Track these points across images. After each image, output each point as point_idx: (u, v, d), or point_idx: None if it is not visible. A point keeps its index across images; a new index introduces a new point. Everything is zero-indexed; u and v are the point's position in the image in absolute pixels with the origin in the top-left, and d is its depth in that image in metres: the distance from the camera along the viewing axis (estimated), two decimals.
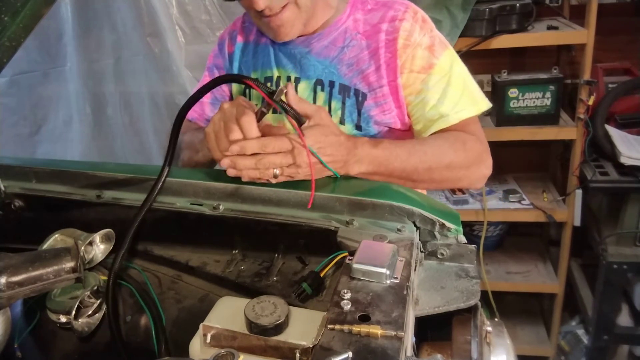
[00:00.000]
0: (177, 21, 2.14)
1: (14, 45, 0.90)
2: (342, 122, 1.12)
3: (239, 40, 1.24)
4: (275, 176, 0.89)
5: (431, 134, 1.07)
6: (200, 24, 2.14)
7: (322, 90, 1.12)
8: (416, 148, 1.02)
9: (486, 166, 1.09)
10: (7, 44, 0.89)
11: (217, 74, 1.27)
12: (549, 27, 1.92)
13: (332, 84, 1.11)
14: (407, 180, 1.01)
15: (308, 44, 1.13)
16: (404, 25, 1.06)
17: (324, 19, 1.13)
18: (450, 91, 1.06)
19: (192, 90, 1.31)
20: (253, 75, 1.20)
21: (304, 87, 1.14)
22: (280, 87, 0.88)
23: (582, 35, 1.84)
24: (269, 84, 1.16)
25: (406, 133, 1.14)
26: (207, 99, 1.29)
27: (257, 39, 1.22)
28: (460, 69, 1.10)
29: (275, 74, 1.17)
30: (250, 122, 0.88)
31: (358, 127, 1.11)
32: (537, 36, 1.91)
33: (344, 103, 1.11)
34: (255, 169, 0.88)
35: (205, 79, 1.31)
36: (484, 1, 1.88)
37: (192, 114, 1.28)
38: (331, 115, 1.08)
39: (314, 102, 1.13)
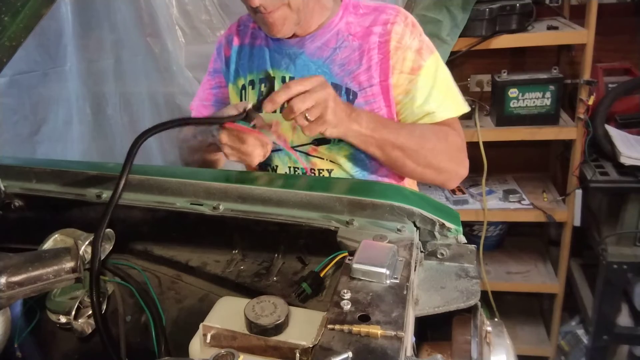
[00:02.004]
0: (177, 21, 2.14)
1: (14, 45, 0.91)
2: None
3: (235, 43, 1.27)
4: (307, 119, 0.95)
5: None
6: (200, 24, 2.14)
7: None
8: (404, 125, 1.12)
9: (464, 166, 1.17)
10: (7, 44, 0.89)
11: (217, 79, 1.31)
12: (549, 27, 1.92)
13: None
14: (399, 154, 1.07)
15: (302, 44, 1.16)
16: (395, 29, 1.12)
17: (320, 21, 1.17)
18: (435, 92, 1.13)
19: (195, 89, 1.32)
20: (249, 78, 1.23)
21: None
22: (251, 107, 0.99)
23: (582, 35, 1.84)
24: (262, 86, 1.21)
25: None
26: (209, 101, 1.32)
27: (252, 41, 1.25)
28: (444, 73, 1.17)
29: (271, 74, 1.20)
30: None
31: None
32: (537, 36, 1.90)
33: None
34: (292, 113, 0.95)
35: (207, 81, 1.33)
36: (484, 1, 1.88)
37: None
38: None
39: None
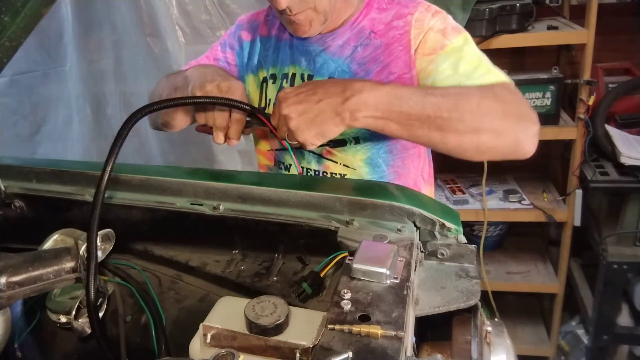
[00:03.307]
0: (177, 21, 2.13)
1: (14, 45, 0.91)
2: None
3: (262, 33, 1.25)
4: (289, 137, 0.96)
5: None
6: (200, 24, 2.13)
7: None
8: (431, 90, 0.94)
9: (532, 120, 0.95)
10: (7, 44, 0.89)
11: (228, 52, 1.28)
12: (549, 27, 1.92)
13: None
14: (432, 127, 0.90)
15: (323, 42, 1.14)
16: (415, 16, 1.08)
17: (345, 17, 1.14)
18: (462, 65, 1.01)
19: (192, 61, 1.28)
20: (271, 71, 1.21)
21: None
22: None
23: (582, 35, 1.84)
24: (284, 81, 1.18)
25: None
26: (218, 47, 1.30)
27: (279, 34, 1.22)
28: (475, 49, 1.06)
29: (291, 70, 1.18)
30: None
31: None
32: (537, 36, 1.90)
33: None
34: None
35: (214, 50, 1.30)
36: (484, 1, 1.88)
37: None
38: None
39: None
